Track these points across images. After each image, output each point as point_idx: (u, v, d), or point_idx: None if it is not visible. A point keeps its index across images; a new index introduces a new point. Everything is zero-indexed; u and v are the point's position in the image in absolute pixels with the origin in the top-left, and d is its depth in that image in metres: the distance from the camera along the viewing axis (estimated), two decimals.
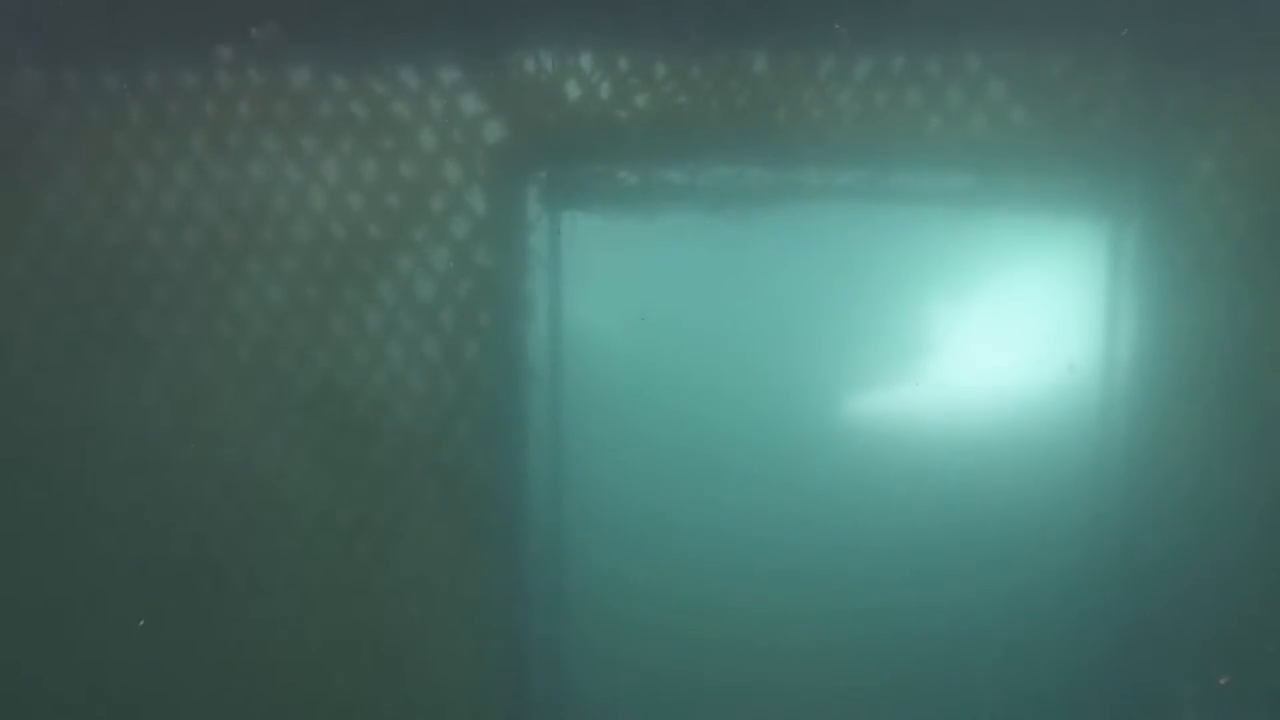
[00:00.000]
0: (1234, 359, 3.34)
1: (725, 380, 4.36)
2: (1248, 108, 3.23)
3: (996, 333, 4.84)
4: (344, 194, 3.32)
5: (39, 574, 3.50)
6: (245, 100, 3.28)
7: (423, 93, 3.28)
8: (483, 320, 3.35)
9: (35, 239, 3.37)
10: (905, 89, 3.23)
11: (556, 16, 3.23)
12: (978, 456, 4.97)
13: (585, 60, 3.26)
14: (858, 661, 4.48)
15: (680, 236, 3.92)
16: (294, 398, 3.39)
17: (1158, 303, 3.37)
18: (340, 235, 3.33)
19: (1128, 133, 3.24)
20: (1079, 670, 3.66)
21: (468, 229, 3.32)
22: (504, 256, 3.34)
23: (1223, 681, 3.51)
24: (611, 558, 4.14)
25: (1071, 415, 3.83)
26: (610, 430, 4.14)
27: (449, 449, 3.40)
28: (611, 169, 3.45)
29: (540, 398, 3.53)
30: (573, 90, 3.28)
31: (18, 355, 3.41)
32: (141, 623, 3.47)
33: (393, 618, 3.49)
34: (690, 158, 3.40)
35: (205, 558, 3.47)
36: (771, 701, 4.33)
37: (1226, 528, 3.40)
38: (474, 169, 3.30)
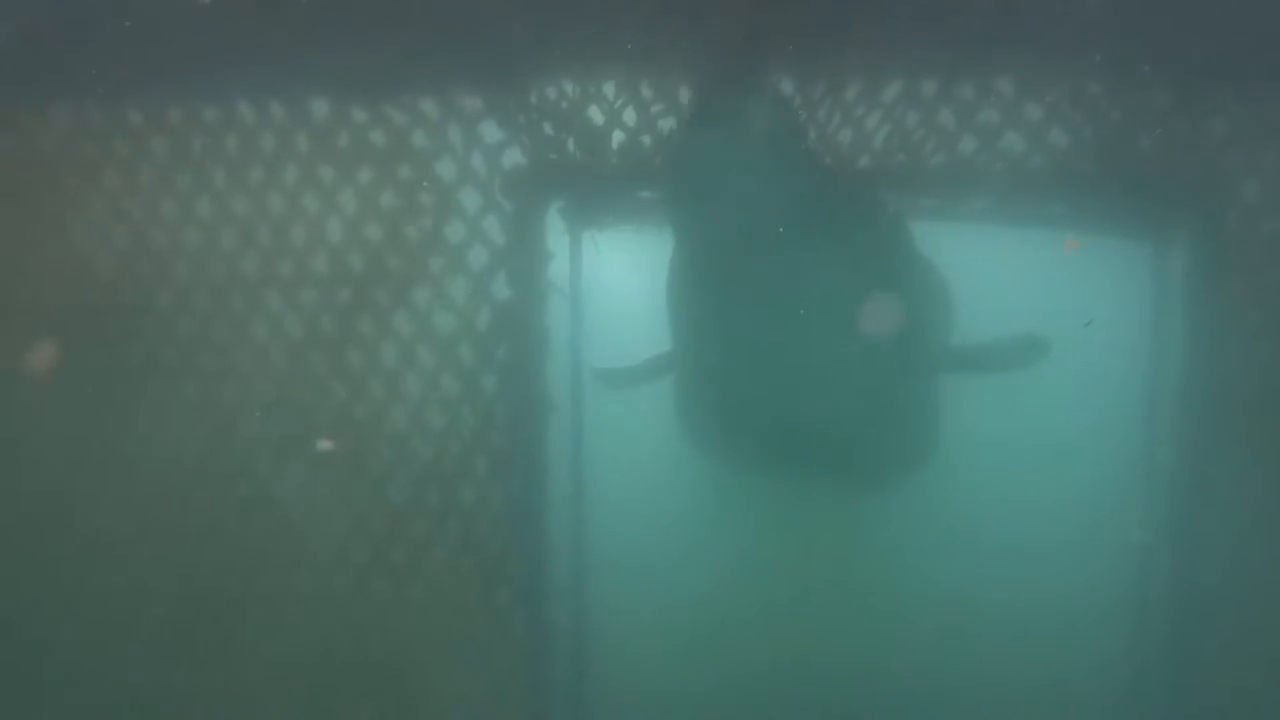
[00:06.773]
0: None
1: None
2: None
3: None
4: (362, 225, 3.29)
5: (60, 601, 3.52)
6: (267, 132, 3.28)
7: (442, 121, 3.24)
8: (501, 353, 3.28)
9: (67, 273, 3.40)
10: (937, 111, 3.12)
11: (578, 42, 3.18)
12: (1017, 484, 4.85)
13: (608, 87, 3.19)
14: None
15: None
16: (312, 432, 3.36)
17: (1206, 329, 3.21)
18: (358, 267, 3.30)
19: (1171, 155, 3.10)
20: None
21: (486, 259, 3.27)
22: (523, 287, 3.28)
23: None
24: (634, 597, 4.07)
25: (1118, 440, 3.72)
26: (632, 466, 4.08)
27: (468, 486, 3.34)
28: (634, 197, 3.40)
29: (561, 432, 3.48)
30: (595, 116, 3.21)
31: (48, 387, 3.43)
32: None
33: (409, 657, 3.43)
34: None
35: (222, 591, 3.45)
36: None
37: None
38: (493, 198, 3.25)
